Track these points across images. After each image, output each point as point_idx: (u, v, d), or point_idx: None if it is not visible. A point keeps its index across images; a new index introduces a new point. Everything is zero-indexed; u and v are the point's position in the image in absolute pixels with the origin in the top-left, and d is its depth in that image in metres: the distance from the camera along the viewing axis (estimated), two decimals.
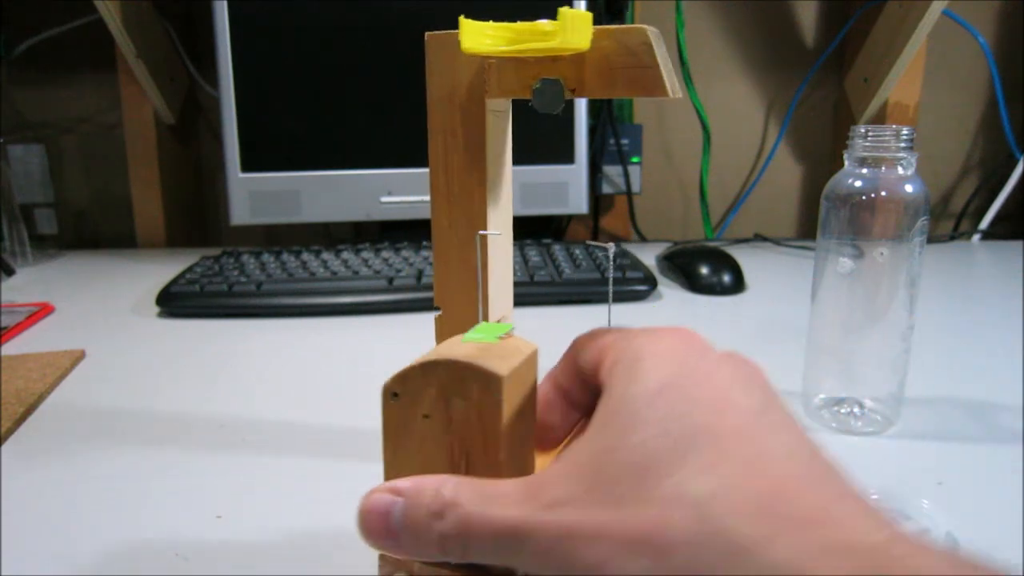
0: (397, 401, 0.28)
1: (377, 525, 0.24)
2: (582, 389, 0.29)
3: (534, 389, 0.30)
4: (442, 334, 0.39)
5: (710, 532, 0.19)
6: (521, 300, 0.72)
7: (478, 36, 0.32)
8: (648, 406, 0.22)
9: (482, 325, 0.31)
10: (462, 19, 0.32)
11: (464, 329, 0.31)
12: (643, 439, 0.21)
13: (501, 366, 0.27)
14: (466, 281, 0.38)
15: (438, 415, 0.28)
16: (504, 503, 0.22)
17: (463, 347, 0.28)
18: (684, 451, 0.20)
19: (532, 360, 0.29)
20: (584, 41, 0.32)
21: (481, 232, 0.36)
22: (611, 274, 0.41)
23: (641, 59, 0.32)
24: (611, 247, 0.33)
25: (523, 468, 0.30)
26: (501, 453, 0.27)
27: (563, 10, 0.31)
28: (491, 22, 0.32)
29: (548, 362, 0.44)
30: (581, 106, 0.91)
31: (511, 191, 0.39)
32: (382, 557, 0.30)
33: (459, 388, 0.27)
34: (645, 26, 0.32)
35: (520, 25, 0.32)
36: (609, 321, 0.35)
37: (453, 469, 0.28)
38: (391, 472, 0.29)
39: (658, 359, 0.23)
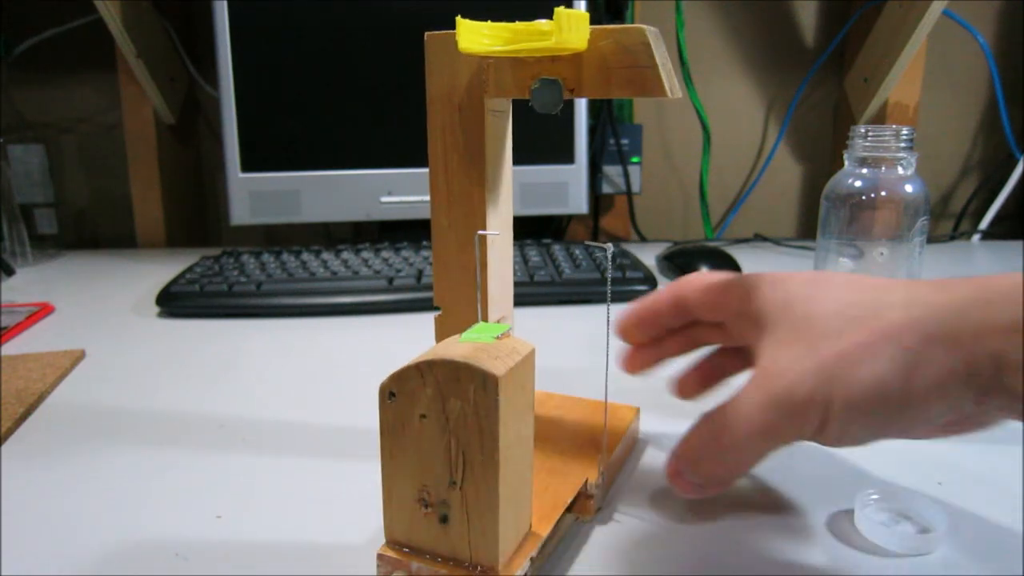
0: (394, 401, 0.28)
1: (679, 481, 0.33)
2: (672, 315, 0.38)
3: (531, 388, 0.30)
4: (442, 333, 0.39)
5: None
6: (521, 300, 0.73)
7: (475, 36, 0.32)
8: (817, 284, 0.31)
9: (480, 325, 0.31)
10: (459, 19, 0.32)
11: (464, 328, 0.31)
12: (837, 291, 0.30)
13: (498, 366, 0.27)
14: (465, 281, 0.38)
15: (435, 415, 0.28)
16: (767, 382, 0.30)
17: (460, 347, 0.28)
18: (876, 285, 0.30)
19: (529, 360, 0.29)
20: (581, 41, 0.32)
21: (480, 232, 0.36)
22: (610, 274, 0.41)
23: (639, 59, 0.32)
24: (609, 247, 0.33)
25: (522, 468, 0.30)
26: (499, 453, 0.27)
27: (559, 10, 0.31)
28: (488, 22, 0.32)
29: (548, 362, 0.43)
30: (581, 106, 0.92)
31: (511, 191, 0.39)
32: (380, 557, 0.30)
33: (456, 388, 0.27)
34: (643, 26, 0.32)
35: (517, 25, 0.32)
36: (608, 322, 0.35)
37: (451, 468, 0.28)
38: (389, 472, 0.29)
39: (784, 275, 0.33)
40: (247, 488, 0.40)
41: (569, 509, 0.34)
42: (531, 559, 0.30)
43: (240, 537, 0.35)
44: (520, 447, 0.29)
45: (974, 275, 0.28)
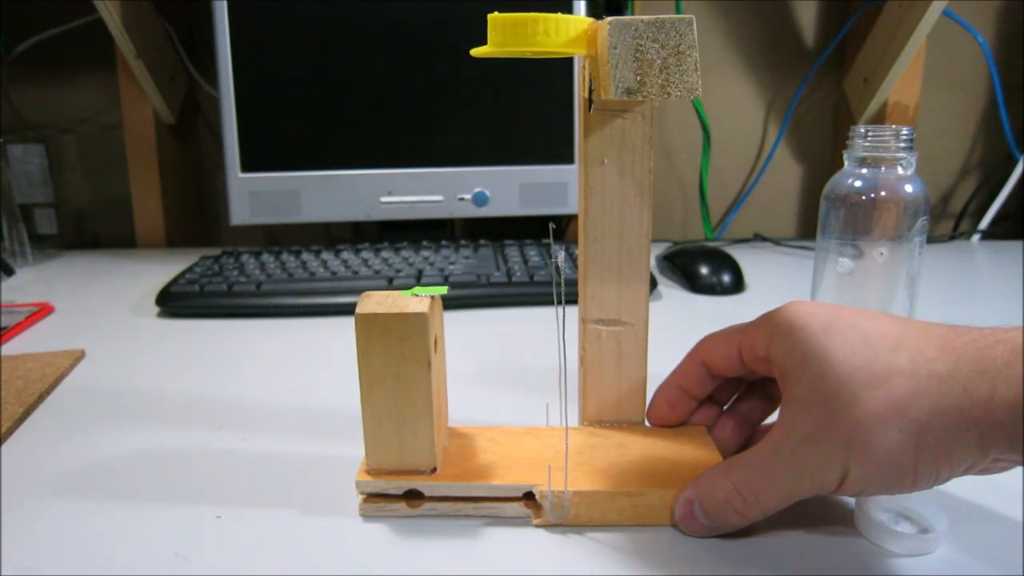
0: None
1: (691, 523, 0.34)
2: (701, 384, 0.39)
3: (417, 343, 0.34)
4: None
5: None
6: (521, 300, 0.73)
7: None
8: (826, 342, 0.31)
9: (418, 288, 0.37)
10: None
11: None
12: (845, 353, 0.30)
13: (365, 309, 0.34)
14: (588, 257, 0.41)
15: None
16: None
17: (382, 294, 0.36)
18: (883, 342, 0.30)
19: (412, 319, 0.34)
20: (521, 42, 0.32)
21: (551, 224, 0.38)
22: (559, 278, 0.42)
23: (604, 55, 0.32)
24: (560, 254, 0.35)
25: (402, 403, 0.35)
26: (362, 378, 0.35)
27: (492, 16, 0.32)
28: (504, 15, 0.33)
29: (552, 362, 0.43)
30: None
31: (643, 191, 0.39)
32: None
33: None
34: (609, 18, 0.32)
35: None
36: (561, 332, 0.35)
37: None
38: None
39: (795, 325, 0.32)
40: (246, 488, 0.40)
41: (527, 501, 0.36)
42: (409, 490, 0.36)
43: (240, 537, 0.35)
44: (394, 384, 0.35)
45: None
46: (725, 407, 0.41)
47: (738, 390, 0.41)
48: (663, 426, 0.41)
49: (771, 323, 0.34)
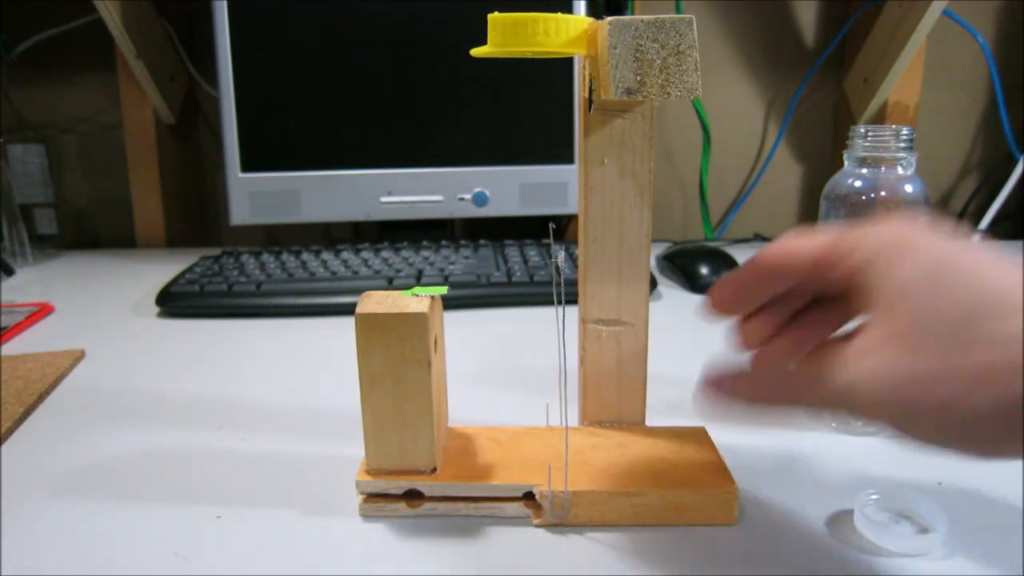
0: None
1: (719, 383, 0.32)
2: (763, 286, 0.32)
3: (417, 343, 0.34)
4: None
5: None
6: (521, 300, 0.73)
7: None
8: (940, 276, 0.27)
9: (418, 288, 0.37)
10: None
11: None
12: (957, 296, 0.26)
13: (365, 308, 0.35)
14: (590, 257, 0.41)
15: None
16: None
17: (382, 294, 0.36)
18: (997, 302, 0.25)
19: (412, 319, 0.34)
20: (521, 42, 0.33)
21: (551, 224, 0.38)
22: (559, 278, 0.42)
23: (604, 55, 0.32)
24: (560, 254, 0.35)
25: (400, 402, 0.35)
26: (362, 376, 0.35)
27: (492, 16, 0.32)
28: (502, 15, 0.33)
29: (554, 362, 0.43)
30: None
31: (643, 190, 0.38)
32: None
33: None
34: (609, 18, 0.32)
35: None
36: (561, 332, 0.35)
37: None
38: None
39: (910, 245, 0.28)
40: (246, 488, 0.40)
41: (528, 501, 0.36)
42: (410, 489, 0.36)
43: (240, 537, 0.35)
44: (394, 384, 0.35)
45: None
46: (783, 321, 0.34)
47: (798, 305, 0.34)
48: (724, 313, 0.34)
49: (878, 242, 0.29)
